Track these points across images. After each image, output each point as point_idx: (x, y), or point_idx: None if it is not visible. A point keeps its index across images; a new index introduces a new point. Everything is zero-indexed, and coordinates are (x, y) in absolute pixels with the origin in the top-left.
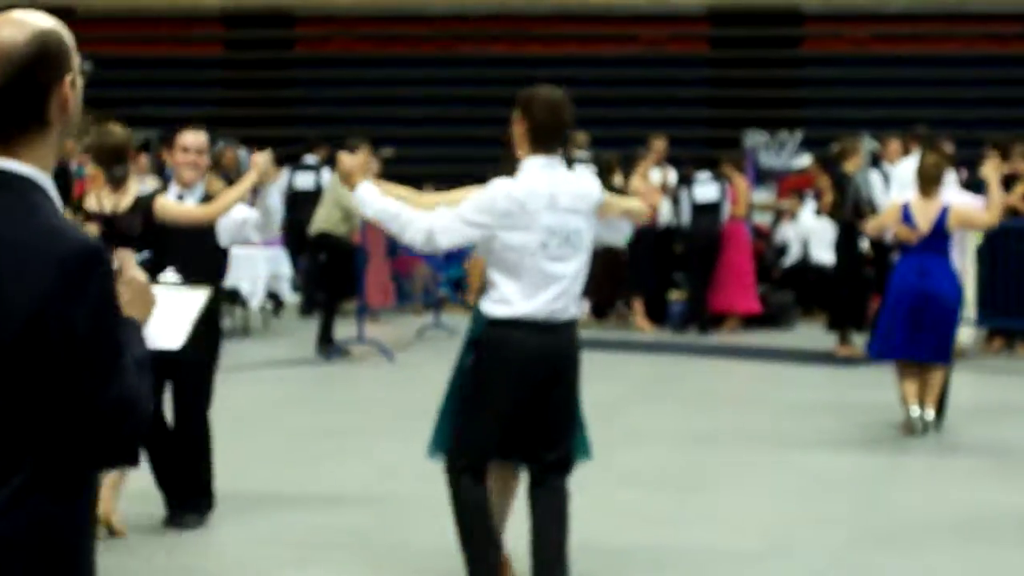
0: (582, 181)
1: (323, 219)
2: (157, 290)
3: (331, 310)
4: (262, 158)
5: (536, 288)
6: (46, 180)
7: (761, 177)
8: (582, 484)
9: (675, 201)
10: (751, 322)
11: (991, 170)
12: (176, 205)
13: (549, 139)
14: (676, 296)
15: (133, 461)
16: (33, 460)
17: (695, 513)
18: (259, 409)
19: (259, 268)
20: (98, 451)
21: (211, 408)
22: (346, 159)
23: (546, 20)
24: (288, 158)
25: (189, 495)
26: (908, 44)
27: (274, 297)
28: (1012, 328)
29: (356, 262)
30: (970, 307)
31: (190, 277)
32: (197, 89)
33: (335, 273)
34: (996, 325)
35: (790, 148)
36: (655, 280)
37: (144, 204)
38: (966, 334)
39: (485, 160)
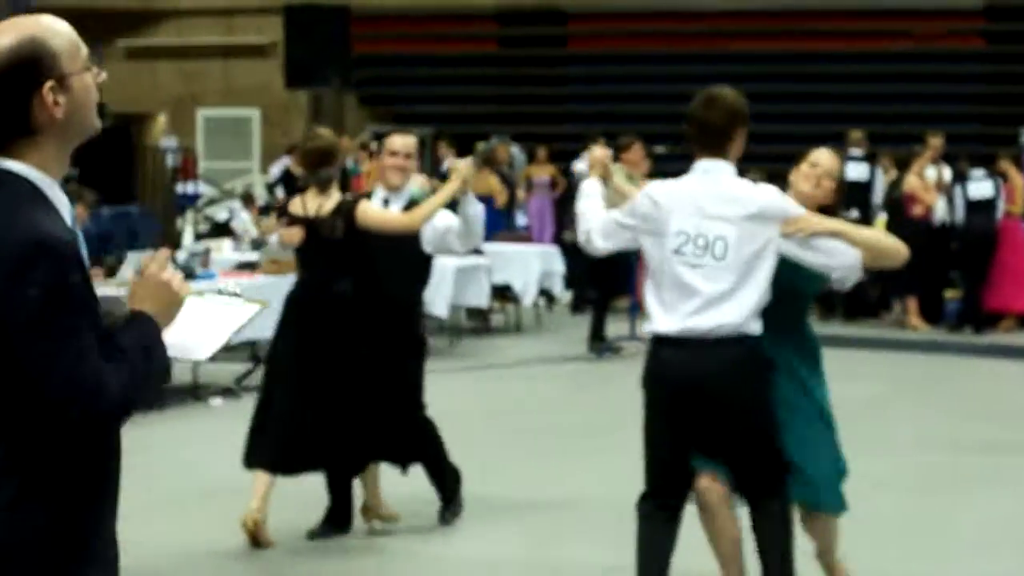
0: (742, 187)
1: None
2: (200, 300)
3: (603, 307)
4: (464, 164)
5: (675, 300)
6: (43, 179)
7: None
8: None
9: (950, 199)
10: None
11: None
12: (378, 212)
13: (702, 140)
14: (951, 295)
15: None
16: (25, 466)
17: (950, 521)
18: (530, 406)
19: (532, 265)
20: (57, 435)
21: (424, 410)
22: (596, 150)
23: (818, 15)
24: (561, 156)
25: (442, 494)
26: None
27: (546, 294)
28: None
29: (628, 259)
30: None
31: (393, 282)
32: (471, 86)
33: (606, 270)
34: None
35: None
36: (930, 278)
37: (347, 209)
38: None
39: (758, 158)
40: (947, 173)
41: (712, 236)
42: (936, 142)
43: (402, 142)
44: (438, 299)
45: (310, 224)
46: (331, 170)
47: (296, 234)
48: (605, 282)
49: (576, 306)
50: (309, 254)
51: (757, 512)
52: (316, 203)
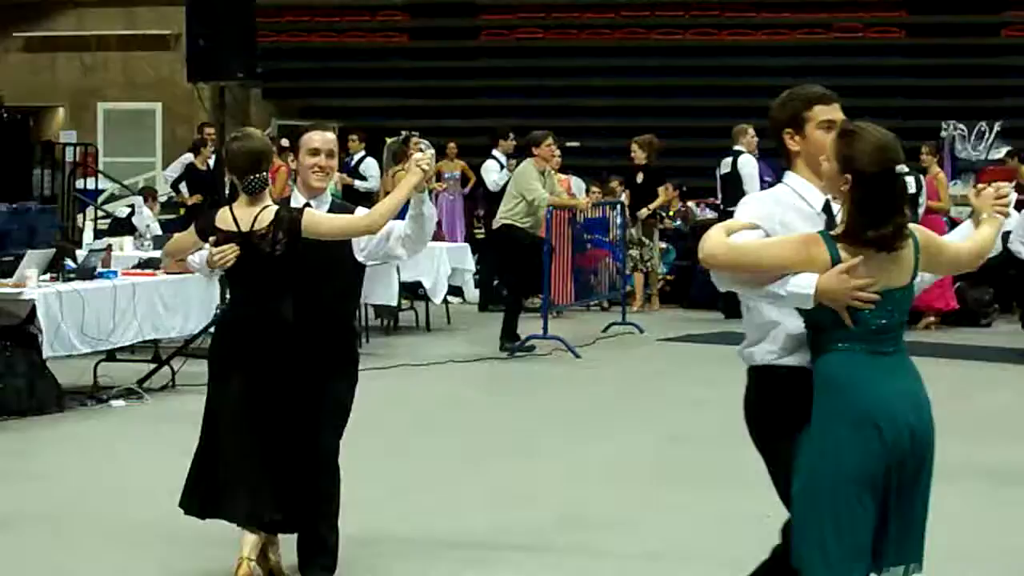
0: None
1: (507, 212)
2: None
3: (516, 306)
4: (425, 157)
5: None
6: None
7: (958, 169)
8: None
9: None
10: (947, 319)
11: None
12: (330, 218)
13: None
14: None
15: None
16: None
17: None
18: (441, 406)
19: (442, 262)
20: None
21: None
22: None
23: (738, 6)
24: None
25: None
26: None
27: (457, 292)
28: None
29: (541, 257)
30: None
31: (330, 298)
32: (381, 79)
33: (519, 268)
34: None
35: (988, 139)
36: None
37: (289, 219)
38: None
39: (674, 152)
40: None
41: None
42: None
43: (322, 139)
44: None
45: (246, 240)
46: (264, 176)
47: (231, 253)
48: (517, 280)
49: (487, 305)
50: (245, 274)
51: None
52: (249, 214)
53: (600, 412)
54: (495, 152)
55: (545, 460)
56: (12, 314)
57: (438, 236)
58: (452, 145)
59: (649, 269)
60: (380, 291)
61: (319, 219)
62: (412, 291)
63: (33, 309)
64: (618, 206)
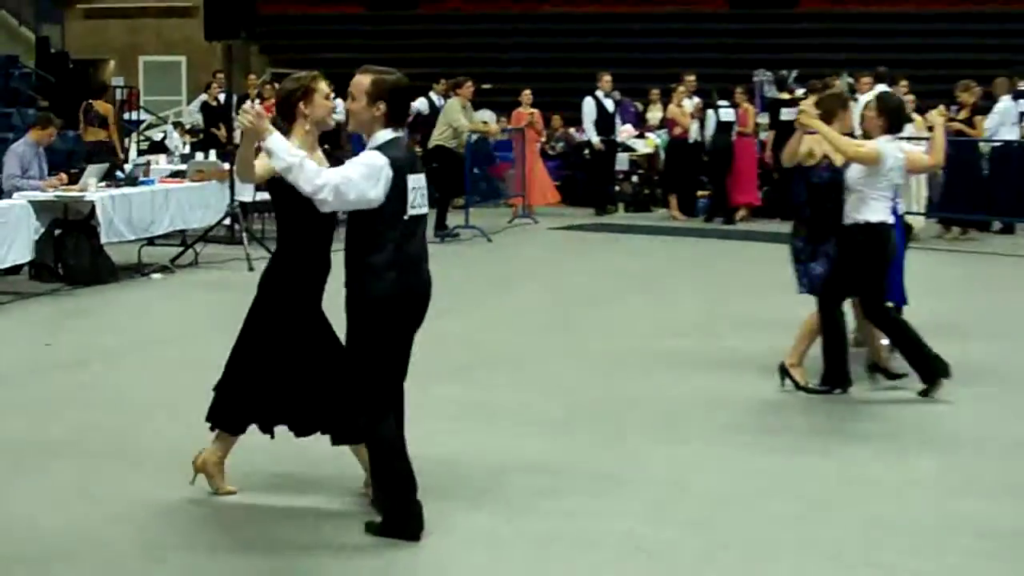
0: None
1: (437, 136)
2: None
3: (444, 204)
4: (244, 110)
5: None
6: None
7: (765, 106)
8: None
9: (701, 122)
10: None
11: (937, 115)
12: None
13: None
14: (701, 194)
15: None
16: None
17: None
18: None
19: None
20: None
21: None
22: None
23: None
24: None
25: None
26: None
27: None
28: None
29: (463, 169)
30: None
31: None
32: (344, 38)
33: (447, 177)
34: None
35: (788, 83)
36: (687, 181)
37: None
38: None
39: (560, 92)
40: (698, 103)
41: None
42: (691, 79)
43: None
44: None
45: None
46: None
47: None
48: (446, 186)
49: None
50: None
51: None
52: None
53: (505, 280)
54: (431, 93)
55: (464, 314)
56: (78, 211)
57: None
58: None
59: None
60: None
61: None
62: None
63: (93, 208)
64: (521, 131)
